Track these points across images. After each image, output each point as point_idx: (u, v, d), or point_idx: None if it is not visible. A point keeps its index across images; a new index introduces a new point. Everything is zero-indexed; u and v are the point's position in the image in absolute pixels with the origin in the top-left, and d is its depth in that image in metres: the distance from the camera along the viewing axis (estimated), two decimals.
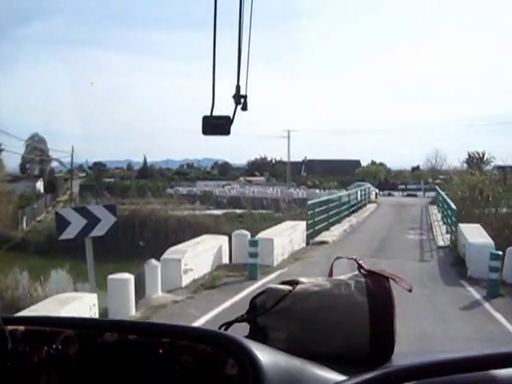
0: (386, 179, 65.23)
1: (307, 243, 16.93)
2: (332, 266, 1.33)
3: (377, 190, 45.05)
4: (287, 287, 1.20)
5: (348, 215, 24.55)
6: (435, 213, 27.37)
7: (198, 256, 12.04)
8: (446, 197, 22.87)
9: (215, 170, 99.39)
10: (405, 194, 50.75)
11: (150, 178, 79.33)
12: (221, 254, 13.35)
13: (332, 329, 1.15)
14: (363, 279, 1.20)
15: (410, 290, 1.24)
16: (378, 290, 1.17)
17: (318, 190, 53.14)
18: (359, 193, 29.30)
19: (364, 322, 1.14)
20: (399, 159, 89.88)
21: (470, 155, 78.26)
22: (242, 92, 2.05)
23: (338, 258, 1.37)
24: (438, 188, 32.23)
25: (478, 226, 15.38)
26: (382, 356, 1.13)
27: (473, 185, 29.82)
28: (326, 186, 60.63)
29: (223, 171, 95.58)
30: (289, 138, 73.86)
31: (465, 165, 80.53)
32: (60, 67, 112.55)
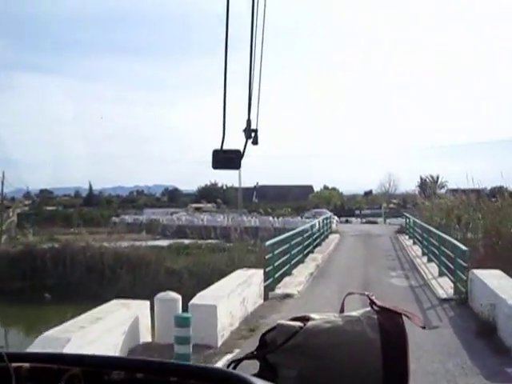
0: (342, 205, 61.24)
1: (265, 297, 12.26)
2: (343, 302, 1.26)
3: (337, 218, 40.92)
4: (298, 323, 1.14)
5: (311, 251, 20.05)
6: (409, 244, 23.10)
7: (92, 343, 7.13)
8: (430, 227, 18.53)
9: (165, 196, 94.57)
10: (363, 220, 46.60)
11: (96, 205, 73.96)
12: (137, 329, 8.52)
13: (344, 367, 1.09)
14: (375, 315, 1.13)
15: (424, 327, 1.23)
16: (390, 327, 1.11)
17: (271, 218, 48.71)
18: (321, 223, 24.86)
19: (376, 360, 1.08)
20: (351, 183, 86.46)
21: (422, 179, 75.79)
22: (253, 126, 1.98)
23: (349, 293, 1.30)
24: (407, 214, 28.01)
25: (499, 272, 11.05)
26: None
27: (448, 210, 25.83)
28: (279, 212, 56.50)
29: (173, 198, 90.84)
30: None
31: (417, 189, 78.57)
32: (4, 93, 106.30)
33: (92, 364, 0.99)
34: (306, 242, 18.94)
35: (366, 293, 1.20)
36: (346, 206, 61.06)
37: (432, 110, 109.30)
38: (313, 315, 1.18)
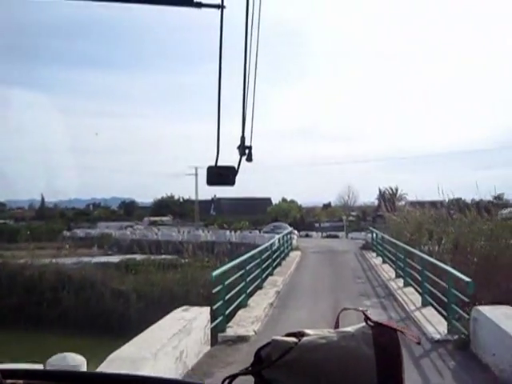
0: (301, 217, 58.81)
1: (213, 342, 9.43)
2: (338, 318, 1.22)
3: (296, 233, 38.36)
4: (293, 339, 1.12)
5: (271, 273, 17.32)
6: (378, 263, 20.59)
7: None
8: (410, 248, 15.92)
9: (122, 209, 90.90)
10: (324, 234, 44.16)
11: (49, 219, 70.01)
12: None
13: (338, 382, 1.07)
14: (370, 331, 1.10)
15: (419, 343, 1.24)
16: (385, 343, 1.08)
17: (228, 232, 45.88)
18: (281, 240, 22.16)
19: (371, 376, 1.06)
20: (310, 195, 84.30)
21: (381, 191, 74.22)
22: (247, 143, 1.99)
23: (344, 309, 1.26)
24: (373, 229, 25.55)
25: (508, 308, 8.52)
26: None
27: (418, 224, 23.49)
28: (236, 226, 53.79)
29: (129, 211, 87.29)
30: (196, 175, 66.31)
31: (377, 201, 76.94)
32: None
33: (84, 381, 0.98)
34: (265, 264, 16.22)
35: (361, 308, 1.17)
36: (305, 219, 58.71)
37: (391, 123, 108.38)
38: (307, 331, 1.15)
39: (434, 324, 10.42)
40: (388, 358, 1.07)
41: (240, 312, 11.58)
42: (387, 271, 17.98)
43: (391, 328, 1.10)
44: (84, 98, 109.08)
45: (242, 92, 1.85)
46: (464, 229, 21.94)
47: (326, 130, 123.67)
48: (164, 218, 70.21)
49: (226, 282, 10.34)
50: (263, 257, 16.02)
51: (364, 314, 1.14)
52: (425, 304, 11.96)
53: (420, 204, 27.78)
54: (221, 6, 1.75)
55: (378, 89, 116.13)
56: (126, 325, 22.83)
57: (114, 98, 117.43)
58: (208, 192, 79.91)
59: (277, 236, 24.81)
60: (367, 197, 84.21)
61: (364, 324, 1.13)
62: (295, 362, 1.08)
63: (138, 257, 39.43)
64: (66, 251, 43.53)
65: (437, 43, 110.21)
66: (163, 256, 40.29)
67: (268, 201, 74.06)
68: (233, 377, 1.10)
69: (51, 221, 67.31)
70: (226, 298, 10.38)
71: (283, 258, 21.50)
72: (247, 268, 12.73)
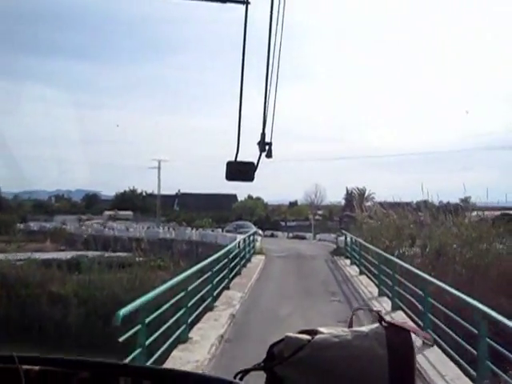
0: (267, 216, 55.46)
1: None
2: (352, 317, 1.23)
3: (261, 232, 35.06)
4: (306, 337, 1.10)
5: (227, 286, 13.84)
6: (354, 274, 17.21)
7: None
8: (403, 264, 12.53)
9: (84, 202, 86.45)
10: (290, 235, 40.82)
11: (3, 210, 65.33)
12: None
13: (350, 381, 1.05)
14: (384, 331, 1.10)
15: (433, 345, 2.65)
16: (398, 343, 1.07)
17: (189, 229, 42.34)
18: (242, 242, 18.70)
19: (383, 376, 1.05)
20: (276, 193, 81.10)
21: (348, 191, 71.42)
22: (267, 139, 2.01)
23: (357, 308, 1.33)
24: (347, 233, 22.18)
25: None
26: None
27: (397, 229, 20.39)
28: (199, 223, 50.24)
29: (91, 204, 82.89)
30: (159, 168, 62.50)
31: (343, 201, 74.18)
32: None
33: (100, 369, 0.96)
34: (220, 276, 12.76)
35: (375, 309, 1.25)
36: (271, 218, 55.42)
37: (360, 123, 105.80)
38: (321, 329, 1.14)
39: (444, 373, 7.10)
40: (400, 359, 1.05)
41: (176, 353, 8.06)
42: (366, 285, 14.66)
43: (405, 329, 1.09)
44: (58, 88, 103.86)
45: (263, 90, 1.87)
46: (450, 237, 18.97)
47: (297, 130, 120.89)
48: (125, 213, 66.20)
49: (153, 316, 6.78)
50: (218, 266, 12.57)
51: (378, 314, 1.14)
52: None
53: (388, 205, 24.80)
54: (246, 2, 1.83)
55: (347, 89, 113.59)
56: (64, 335, 19.27)
57: (84, 88, 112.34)
58: (172, 186, 76.30)
59: (239, 237, 21.41)
60: (334, 196, 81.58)
61: (378, 324, 1.11)
62: (308, 360, 1.06)
63: (92, 253, 36.17)
64: (15, 245, 39.98)
65: (419, 45, 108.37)
66: (118, 253, 36.94)
67: (233, 197, 70.58)
68: (245, 372, 1.08)
69: (6, 212, 62.89)
70: (156, 334, 6.89)
71: (244, 265, 18.08)
72: (189, 289, 9.17)
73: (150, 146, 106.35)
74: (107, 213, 67.35)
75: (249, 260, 19.77)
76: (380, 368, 1.04)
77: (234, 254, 16.25)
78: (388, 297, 12.21)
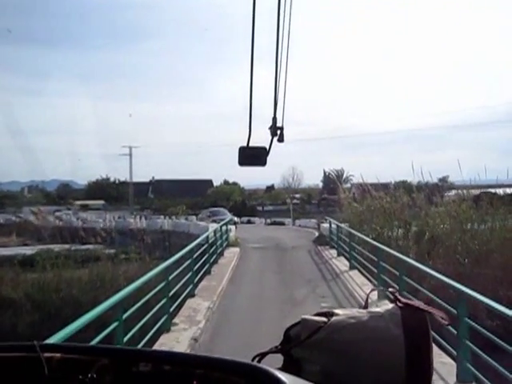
0: (243, 201, 52.49)
1: None
2: (367, 298, 1.20)
3: (236, 219, 32.16)
4: (322, 319, 1.09)
5: (192, 293, 10.93)
6: (344, 269, 14.32)
7: None
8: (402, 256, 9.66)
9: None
10: (268, 221, 37.89)
11: None
12: None
13: (367, 362, 1.04)
14: (399, 312, 1.08)
15: (449, 325, 1.24)
16: (414, 324, 1.06)
17: (161, 218, 39.27)
18: (214, 234, 15.77)
19: (400, 356, 1.03)
20: (252, 178, 78.14)
21: (325, 173, 68.80)
22: (279, 124, 2.01)
23: (373, 289, 1.29)
24: (333, 221, 19.20)
25: None
26: None
27: (388, 214, 17.66)
28: (173, 210, 47.19)
29: (64, 194, 79.11)
30: (131, 155, 59.12)
31: (321, 184, 71.62)
32: None
33: (120, 356, 0.97)
34: (181, 282, 9.86)
35: (391, 289, 1.14)
36: (247, 203, 52.50)
37: (337, 105, 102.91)
38: (337, 310, 1.12)
39: None
40: (416, 339, 1.04)
41: None
42: (361, 284, 11.83)
43: (420, 309, 1.07)
44: (22, 76, 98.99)
45: (273, 74, 1.91)
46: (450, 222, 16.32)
47: (270, 113, 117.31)
48: (96, 202, 62.73)
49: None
50: (180, 269, 9.69)
51: (393, 294, 1.11)
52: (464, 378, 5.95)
53: (366, 186, 22.05)
54: None
55: (322, 71, 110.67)
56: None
57: (54, 75, 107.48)
58: (146, 173, 73.17)
59: (211, 228, 18.51)
60: (312, 179, 78.98)
61: (393, 305, 1.10)
62: (324, 342, 1.05)
63: (59, 247, 33.06)
64: None
65: (394, 26, 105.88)
66: (86, 246, 33.89)
67: (209, 183, 67.53)
68: (262, 355, 1.06)
69: None
70: None
71: (215, 261, 15.19)
72: (132, 310, 6.24)
73: (125, 133, 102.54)
74: (78, 203, 63.94)
75: (221, 254, 16.88)
76: (396, 348, 1.02)
77: (202, 249, 13.39)
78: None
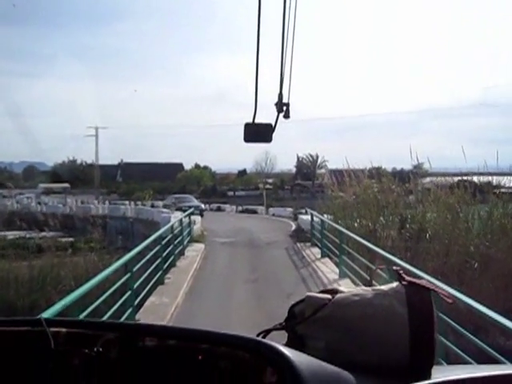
0: (213, 186, 49.08)
1: None
2: (372, 276, 2.57)
3: (203, 206, 28.88)
4: (327, 296, 1.07)
5: (131, 317, 7.65)
6: (332, 277, 11.12)
7: None
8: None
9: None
10: (240, 208, 34.55)
11: None
12: None
13: (371, 339, 1.01)
14: (403, 290, 1.05)
15: (452, 303, 1.20)
16: (418, 302, 1.04)
17: (126, 203, 35.78)
18: (171, 229, 12.46)
19: (404, 334, 1.01)
20: (224, 161, 74.71)
21: (299, 158, 65.75)
22: (285, 100, 1.92)
23: (378, 267, 2.47)
24: (316, 214, 15.88)
25: None
26: (422, 369, 1.00)
27: (380, 206, 14.63)
28: (140, 195, 43.71)
29: (29, 176, 74.77)
30: (97, 136, 55.09)
31: (294, 169, 68.60)
32: None
33: (126, 330, 0.96)
34: (122, 300, 6.64)
35: (395, 267, 1.13)
36: (217, 188, 49.13)
37: (313, 90, 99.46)
38: (341, 288, 1.11)
39: None
40: (421, 317, 1.02)
41: None
42: None
43: (424, 287, 1.05)
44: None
45: (280, 49, 1.80)
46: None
47: (241, 96, 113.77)
48: (61, 185, 58.60)
49: None
50: (120, 283, 6.46)
51: (397, 272, 1.09)
52: None
53: (340, 172, 19.02)
54: None
55: (295, 53, 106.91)
56: None
57: (19, 56, 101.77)
58: (115, 156, 69.26)
59: (174, 218, 15.27)
60: (285, 164, 75.95)
61: (397, 283, 1.07)
62: (328, 319, 1.03)
63: (14, 234, 29.58)
64: None
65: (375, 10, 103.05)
66: (43, 233, 30.29)
67: (179, 166, 63.90)
68: (267, 331, 1.05)
69: None
70: None
71: (173, 264, 11.95)
72: None
73: (94, 114, 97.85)
74: (42, 186, 59.78)
75: (182, 254, 13.61)
76: (400, 325, 1.00)
77: (155, 250, 10.16)
78: None
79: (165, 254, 10.90)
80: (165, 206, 30.57)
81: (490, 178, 15.72)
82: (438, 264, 11.49)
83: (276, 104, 1.92)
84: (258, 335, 1.01)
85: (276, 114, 1.91)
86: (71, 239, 27.89)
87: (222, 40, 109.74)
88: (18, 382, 0.92)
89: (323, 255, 13.36)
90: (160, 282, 10.31)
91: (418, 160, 17.65)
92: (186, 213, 16.54)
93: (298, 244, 15.80)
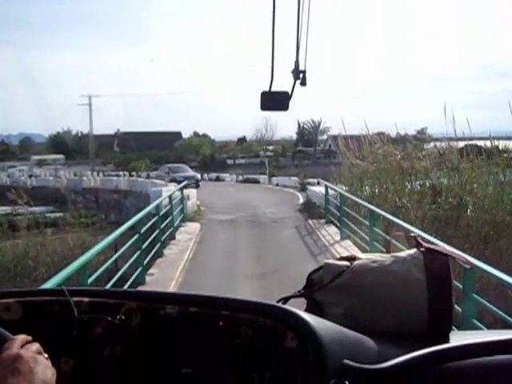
0: (212, 155, 46.28)
1: None
2: (390, 243, 2.31)
3: (198, 176, 26.30)
4: (345, 263, 1.05)
5: None
6: None
7: None
8: None
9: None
10: (240, 178, 31.73)
11: None
12: None
13: (389, 305, 1.00)
14: (421, 256, 1.04)
15: (471, 268, 1.23)
16: (436, 267, 1.02)
17: (118, 175, 33.21)
18: (160, 206, 9.86)
19: (422, 299, 1.00)
20: (224, 128, 71.64)
21: (299, 124, 62.69)
22: (301, 67, 1.86)
23: (396, 235, 2.37)
24: (333, 186, 13.10)
25: None
26: (440, 333, 0.99)
27: (410, 176, 12.01)
28: (135, 166, 41.14)
29: (25, 148, 72.20)
30: (90, 105, 52.06)
31: (295, 135, 65.63)
32: None
33: (147, 299, 0.95)
34: None
35: (413, 234, 1.11)
36: (216, 157, 46.37)
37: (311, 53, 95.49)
38: (359, 255, 1.09)
39: None
40: (439, 283, 1.00)
41: None
42: None
43: (442, 253, 1.04)
44: None
45: (296, 15, 1.78)
46: None
47: (242, 52, 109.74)
48: (55, 157, 55.91)
49: None
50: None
51: (415, 239, 1.07)
52: None
53: (345, 138, 16.32)
54: None
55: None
56: None
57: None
58: (112, 126, 66.51)
59: (166, 191, 12.74)
60: (286, 130, 73.03)
61: (415, 249, 1.06)
62: (346, 285, 1.02)
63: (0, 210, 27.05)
64: None
65: None
66: (32, 209, 27.75)
67: (177, 135, 60.99)
68: (286, 299, 1.04)
69: None
70: None
71: (159, 254, 9.41)
72: None
73: (91, 84, 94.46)
74: (36, 157, 57.11)
75: (172, 237, 11.06)
76: (418, 291, 0.99)
77: (132, 240, 7.64)
78: None
79: (146, 243, 8.33)
80: (157, 177, 27.94)
81: (496, 142, 13.16)
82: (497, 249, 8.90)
83: (292, 71, 1.82)
84: (277, 302, 0.99)
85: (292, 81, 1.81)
86: (60, 214, 25.37)
87: None
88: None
89: (343, 237, 10.78)
90: (140, 281, 7.82)
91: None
92: (179, 186, 13.94)
93: (310, 221, 13.18)
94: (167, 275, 8.40)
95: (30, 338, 0.82)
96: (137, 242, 7.79)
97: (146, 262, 8.13)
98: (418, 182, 11.84)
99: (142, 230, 7.94)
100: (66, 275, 4.40)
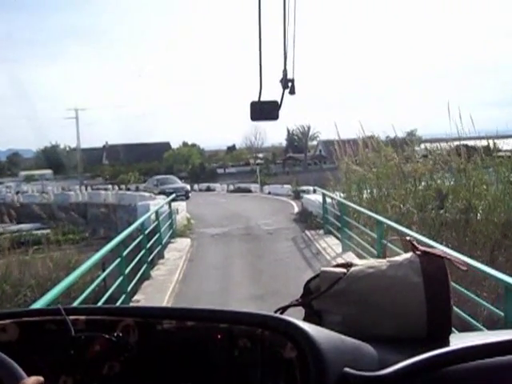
0: (201, 165, 45.38)
1: None
2: (386, 248, 1.23)
3: (188, 188, 25.46)
4: (341, 270, 1.04)
5: None
6: None
7: None
8: None
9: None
10: (231, 187, 30.88)
11: None
12: None
13: (388, 310, 0.99)
14: (418, 259, 1.02)
15: (467, 270, 1.15)
16: (433, 270, 1.00)
17: (108, 189, 32.24)
18: (143, 224, 8.97)
19: (420, 303, 0.98)
20: (213, 138, 71.09)
21: (289, 131, 62.03)
22: (290, 76, 1.86)
23: (392, 239, 1.94)
24: (331, 195, 12.27)
25: None
26: (439, 336, 0.97)
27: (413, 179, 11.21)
28: (124, 178, 40.26)
29: (14, 164, 70.97)
30: (77, 118, 51.11)
31: (285, 142, 64.95)
32: None
33: (144, 314, 0.94)
34: None
35: (408, 238, 1.09)
36: (206, 166, 45.52)
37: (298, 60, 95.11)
38: (356, 261, 1.07)
39: None
40: (436, 285, 0.99)
41: None
42: None
43: (438, 256, 1.02)
44: None
45: (282, 24, 1.72)
46: None
47: (233, 59, 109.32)
48: (43, 172, 54.77)
49: None
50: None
51: (411, 243, 1.06)
52: None
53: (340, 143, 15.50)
54: None
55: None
56: None
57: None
58: (100, 139, 65.64)
59: (153, 205, 11.81)
60: (275, 138, 72.45)
61: (411, 253, 1.05)
62: (344, 292, 1.01)
63: None
64: None
65: None
66: (19, 226, 26.79)
67: (166, 145, 60.14)
68: (284, 308, 1.02)
69: None
70: None
71: (146, 276, 8.50)
72: None
73: (79, 97, 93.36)
74: (23, 173, 55.99)
75: (161, 255, 10.15)
76: (416, 295, 0.97)
77: (114, 265, 6.73)
78: None
79: (130, 268, 7.41)
80: (145, 189, 27.04)
81: (486, 141, 12.41)
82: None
83: (281, 80, 1.83)
84: (275, 312, 0.98)
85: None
86: (48, 231, 24.39)
87: None
88: (43, 370, 0.84)
89: (345, 249, 9.93)
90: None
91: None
92: (166, 200, 13.06)
93: (308, 232, 12.31)
94: (154, 301, 7.49)
95: (42, 379, 0.77)
96: (119, 266, 6.89)
97: (129, 288, 7.21)
98: (420, 187, 11.03)
99: (124, 253, 7.02)
100: (52, 298, 3.88)
